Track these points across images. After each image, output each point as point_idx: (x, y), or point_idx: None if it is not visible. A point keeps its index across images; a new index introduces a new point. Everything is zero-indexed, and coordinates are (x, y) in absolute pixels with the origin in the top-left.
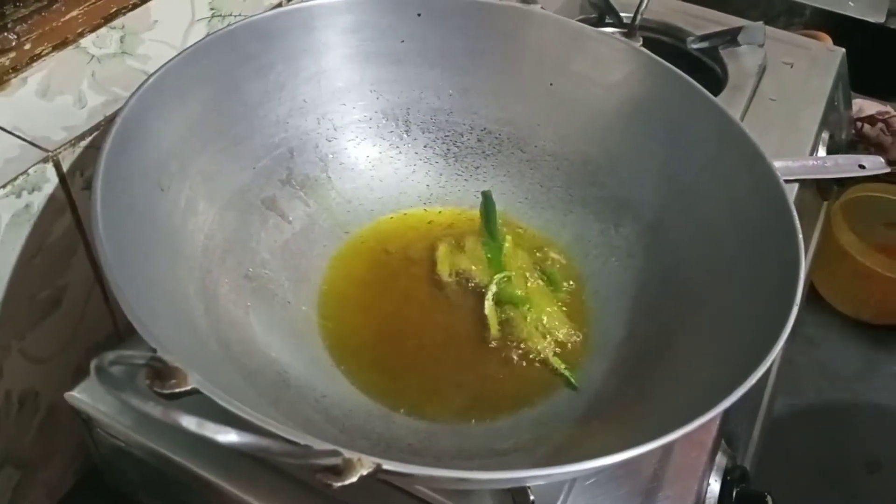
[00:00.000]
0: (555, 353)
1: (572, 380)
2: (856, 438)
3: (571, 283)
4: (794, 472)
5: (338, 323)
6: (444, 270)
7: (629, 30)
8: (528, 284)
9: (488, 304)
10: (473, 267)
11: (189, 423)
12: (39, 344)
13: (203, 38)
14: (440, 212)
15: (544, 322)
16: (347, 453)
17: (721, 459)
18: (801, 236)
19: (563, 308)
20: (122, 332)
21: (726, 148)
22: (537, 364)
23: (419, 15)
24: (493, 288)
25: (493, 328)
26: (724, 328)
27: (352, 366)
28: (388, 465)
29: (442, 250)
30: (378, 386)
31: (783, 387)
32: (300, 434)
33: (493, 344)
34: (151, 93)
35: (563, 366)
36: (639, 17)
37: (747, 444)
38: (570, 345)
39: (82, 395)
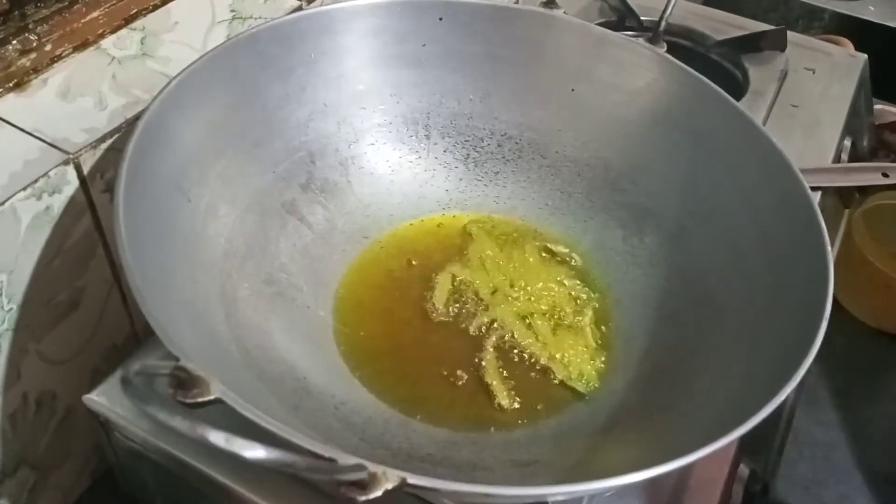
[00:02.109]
0: (568, 368)
1: (582, 390)
2: (876, 450)
3: (596, 294)
4: (813, 484)
5: (354, 329)
6: (440, 300)
7: (653, 35)
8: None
9: (490, 377)
10: (478, 281)
11: (217, 438)
12: (57, 346)
13: (225, 42)
14: (455, 217)
15: (562, 335)
16: (373, 467)
17: (743, 470)
18: (829, 250)
19: (585, 319)
20: (140, 334)
21: (751, 156)
22: (555, 379)
23: (441, 19)
24: (490, 356)
25: (503, 399)
26: (748, 343)
27: (368, 372)
28: (413, 479)
29: (442, 280)
30: (394, 393)
31: (802, 397)
32: (326, 447)
33: (508, 407)
34: (174, 96)
35: (574, 379)
36: (663, 22)
37: (768, 455)
38: (590, 357)
39: (100, 399)
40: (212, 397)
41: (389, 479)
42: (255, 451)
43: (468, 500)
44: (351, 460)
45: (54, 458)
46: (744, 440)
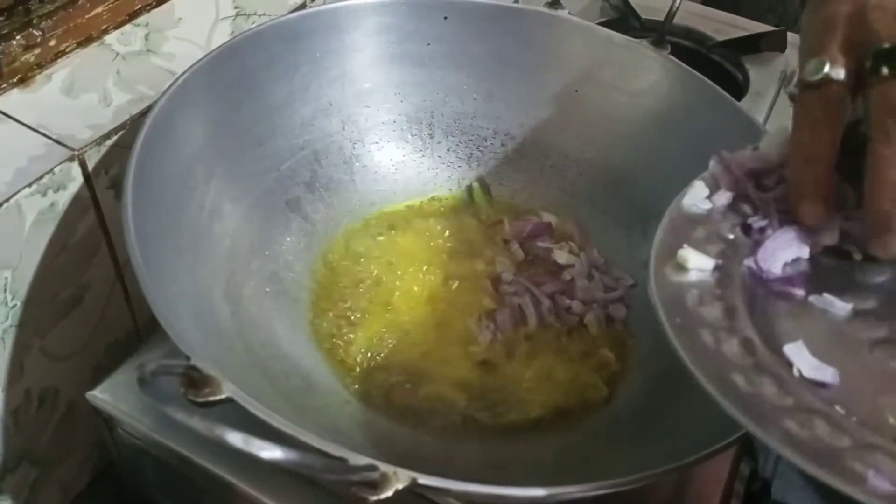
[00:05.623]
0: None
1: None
2: None
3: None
4: (809, 482)
5: (358, 328)
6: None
7: (658, 36)
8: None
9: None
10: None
11: (234, 439)
12: (60, 342)
13: (231, 39)
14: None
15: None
16: (384, 467)
17: (744, 469)
18: None
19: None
20: (142, 331)
21: None
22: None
23: (445, 18)
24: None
25: (510, 404)
26: None
27: (372, 372)
28: (424, 480)
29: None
30: (399, 393)
31: None
32: (337, 447)
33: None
34: (180, 93)
35: (579, 383)
36: (668, 24)
37: (768, 454)
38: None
39: (104, 395)
40: (223, 396)
41: (401, 479)
42: (272, 452)
43: (477, 501)
44: (363, 460)
45: (56, 454)
46: (745, 439)
